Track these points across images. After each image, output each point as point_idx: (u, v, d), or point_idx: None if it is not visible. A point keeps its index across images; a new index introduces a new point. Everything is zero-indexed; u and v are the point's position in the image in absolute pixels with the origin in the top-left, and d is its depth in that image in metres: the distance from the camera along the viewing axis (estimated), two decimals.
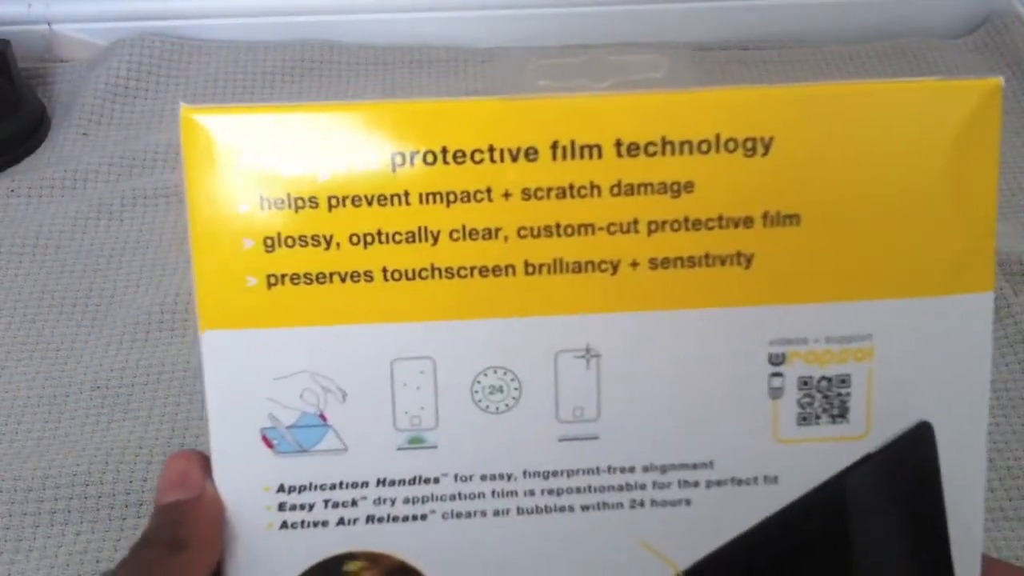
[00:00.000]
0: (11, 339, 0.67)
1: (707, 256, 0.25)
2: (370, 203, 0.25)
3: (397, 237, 0.25)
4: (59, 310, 0.70)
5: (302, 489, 0.26)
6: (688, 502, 0.27)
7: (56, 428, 0.61)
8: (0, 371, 0.65)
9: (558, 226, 0.25)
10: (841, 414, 0.27)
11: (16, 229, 0.74)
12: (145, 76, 0.80)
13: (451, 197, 0.25)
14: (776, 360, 0.26)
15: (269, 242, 0.25)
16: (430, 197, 0.25)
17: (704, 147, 0.25)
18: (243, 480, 0.26)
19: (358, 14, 0.83)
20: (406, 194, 0.25)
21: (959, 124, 0.25)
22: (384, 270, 0.25)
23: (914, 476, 0.27)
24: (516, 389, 0.26)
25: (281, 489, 0.26)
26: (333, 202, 0.25)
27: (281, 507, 0.26)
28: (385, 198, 0.25)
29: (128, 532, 0.56)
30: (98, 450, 0.59)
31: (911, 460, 0.27)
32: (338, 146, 0.25)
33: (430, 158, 0.25)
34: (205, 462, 0.26)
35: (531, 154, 0.25)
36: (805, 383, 0.26)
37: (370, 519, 0.26)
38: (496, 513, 0.26)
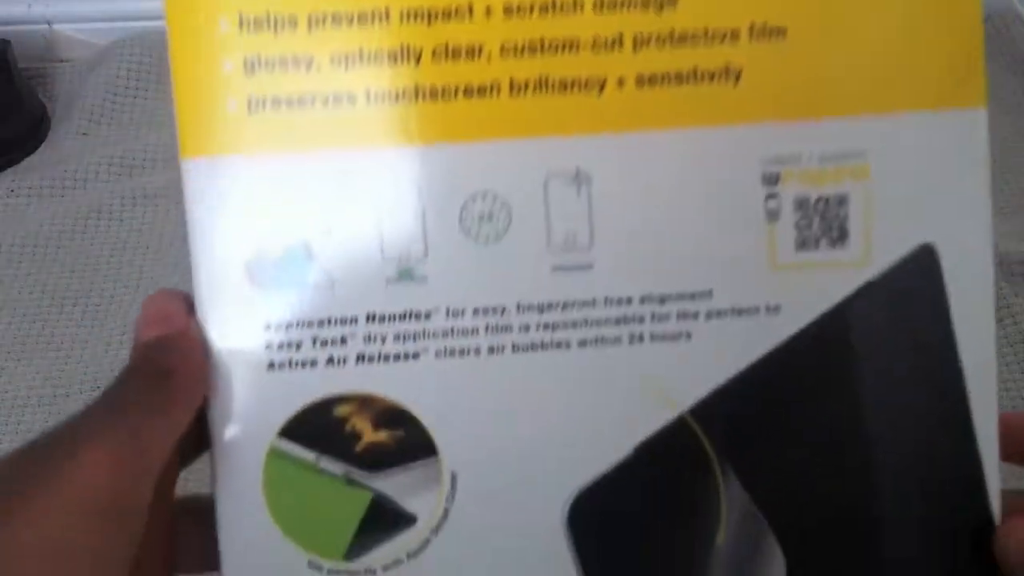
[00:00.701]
0: (11, 339, 0.67)
1: (695, 72, 0.25)
2: (351, 22, 0.24)
3: (379, 57, 0.25)
4: (59, 310, 0.70)
5: (289, 327, 0.25)
6: (688, 335, 0.26)
7: None
8: (0, 371, 0.64)
9: (542, 43, 0.25)
10: (840, 237, 0.26)
11: (16, 229, 0.74)
12: (145, 76, 0.81)
13: (432, 15, 0.24)
14: (770, 180, 0.26)
15: (249, 64, 0.24)
16: (411, 15, 0.24)
17: None
18: (228, 317, 0.25)
19: None
20: (387, 12, 0.24)
21: None
22: (367, 92, 0.25)
23: (920, 301, 0.26)
24: (506, 216, 0.25)
25: (267, 327, 0.25)
26: (313, 21, 0.24)
27: (268, 346, 0.25)
28: (366, 16, 0.24)
29: None
30: None
31: (916, 284, 0.26)
32: None
33: None
34: (188, 301, 0.25)
35: None
36: (801, 204, 0.26)
37: (360, 358, 0.25)
38: (491, 350, 0.26)
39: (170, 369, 0.24)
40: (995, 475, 0.26)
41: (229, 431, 0.25)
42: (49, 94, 0.81)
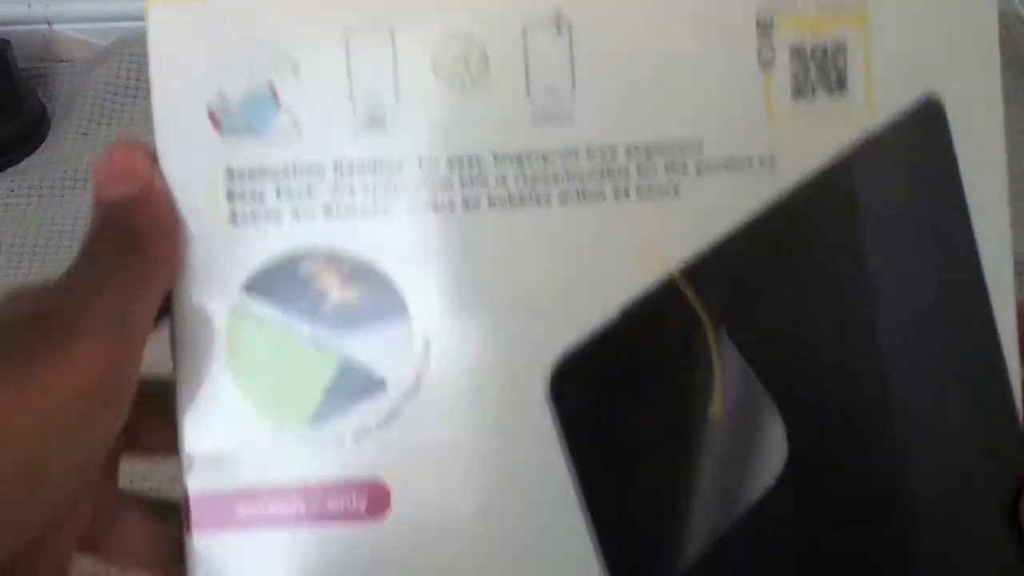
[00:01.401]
0: None
1: None
2: None
3: None
4: None
5: (252, 175, 0.24)
6: (676, 190, 0.24)
7: None
8: None
9: None
10: (839, 86, 0.24)
11: (16, 229, 0.73)
12: (145, 76, 0.80)
13: None
14: (764, 26, 0.24)
15: None
16: None
17: None
18: (189, 165, 0.24)
19: None
20: None
21: None
22: None
23: (925, 156, 0.25)
24: (482, 60, 0.24)
25: (230, 175, 0.24)
26: None
27: (230, 197, 0.24)
28: None
29: None
30: None
31: (921, 137, 0.25)
32: None
33: None
34: (150, 153, 0.24)
35: None
36: (798, 53, 0.24)
37: (327, 211, 0.24)
38: (465, 204, 0.24)
39: (139, 236, 0.23)
40: (1013, 342, 0.24)
41: (189, 289, 0.24)
42: (49, 94, 0.81)
